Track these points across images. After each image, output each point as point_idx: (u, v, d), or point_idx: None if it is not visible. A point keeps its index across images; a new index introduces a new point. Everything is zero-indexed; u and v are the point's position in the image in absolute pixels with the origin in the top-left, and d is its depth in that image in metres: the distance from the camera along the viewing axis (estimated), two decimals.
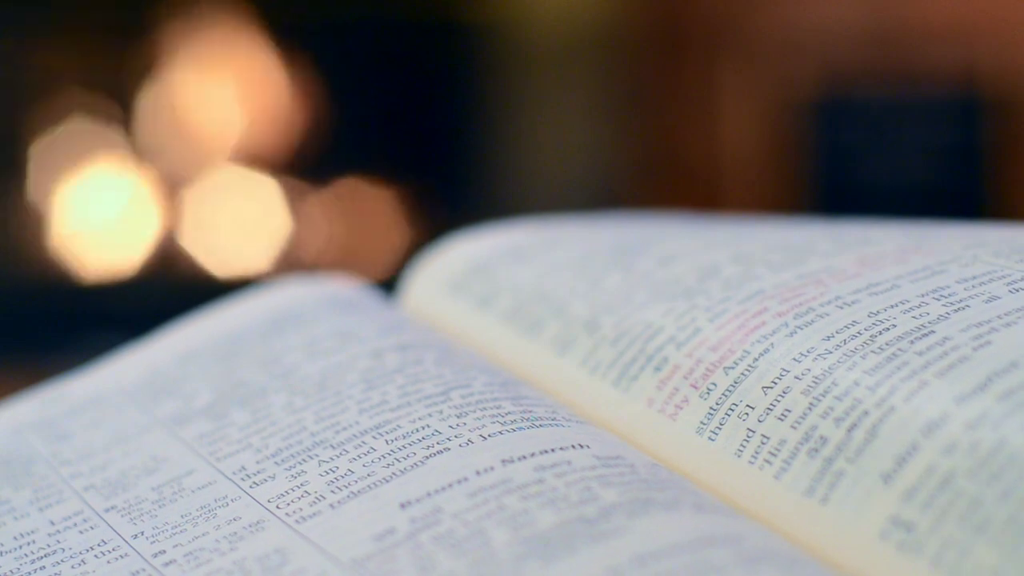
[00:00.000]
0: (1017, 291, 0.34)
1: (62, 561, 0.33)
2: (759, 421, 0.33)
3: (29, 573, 0.33)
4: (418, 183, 1.73)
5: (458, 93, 1.74)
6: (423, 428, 0.34)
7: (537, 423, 0.34)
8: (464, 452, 0.33)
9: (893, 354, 0.32)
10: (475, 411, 0.34)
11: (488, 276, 0.43)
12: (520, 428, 0.33)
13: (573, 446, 0.32)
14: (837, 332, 0.34)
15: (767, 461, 0.32)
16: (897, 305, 0.34)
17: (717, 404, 0.34)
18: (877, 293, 0.35)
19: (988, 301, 0.33)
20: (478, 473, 0.32)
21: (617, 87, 1.73)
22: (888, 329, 0.33)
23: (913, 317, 0.33)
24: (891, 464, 0.30)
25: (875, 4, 1.65)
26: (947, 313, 0.33)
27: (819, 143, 1.67)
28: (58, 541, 0.34)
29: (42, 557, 0.33)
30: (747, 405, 0.33)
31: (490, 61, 1.71)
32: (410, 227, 1.70)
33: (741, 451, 0.32)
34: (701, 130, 1.72)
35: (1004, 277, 0.35)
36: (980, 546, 0.27)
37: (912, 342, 0.32)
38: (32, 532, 0.35)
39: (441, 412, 0.35)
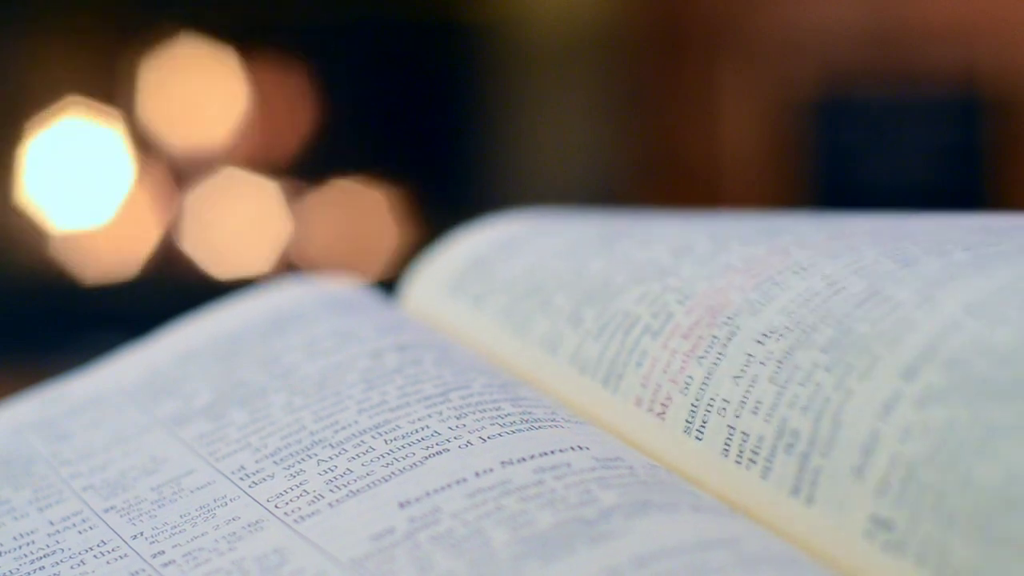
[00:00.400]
0: (969, 249, 0.32)
1: (61, 561, 0.33)
2: (736, 416, 0.32)
3: (28, 573, 0.33)
4: (418, 183, 1.73)
5: (458, 93, 1.74)
6: (422, 429, 0.34)
7: (536, 425, 0.34)
8: (463, 453, 0.33)
9: (842, 321, 0.31)
10: (474, 412, 0.34)
11: (484, 273, 0.43)
12: (519, 430, 0.33)
13: (572, 448, 0.32)
14: (792, 301, 0.33)
15: (751, 460, 0.31)
16: (850, 265, 0.33)
17: (697, 400, 0.33)
18: (835, 256, 0.34)
19: (940, 256, 0.32)
20: (477, 474, 0.32)
21: (617, 87, 1.73)
22: (839, 292, 0.32)
23: (862, 277, 0.32)
24: (858, 456, 0.29)
25: (875, 4, 1.65)
26: (896, 270, 0.32)
27: (819, 143, 1.67)
28: (57, 541, 0.34)
29: (42, 557, 0.33)
30: (723, 399, 0.32)
31: (490, 61, 1.71)
32: (410, 227, 1.70)
33: (727, 450, 0.32)
34: (701, 130, 1.72)
35: (962, 242, 0.33)
36: (956, 543, 0.26)
37: (859, 305, 0.31)
38: (32, 532, 0.35)
39: (440, 413, 0.35)
